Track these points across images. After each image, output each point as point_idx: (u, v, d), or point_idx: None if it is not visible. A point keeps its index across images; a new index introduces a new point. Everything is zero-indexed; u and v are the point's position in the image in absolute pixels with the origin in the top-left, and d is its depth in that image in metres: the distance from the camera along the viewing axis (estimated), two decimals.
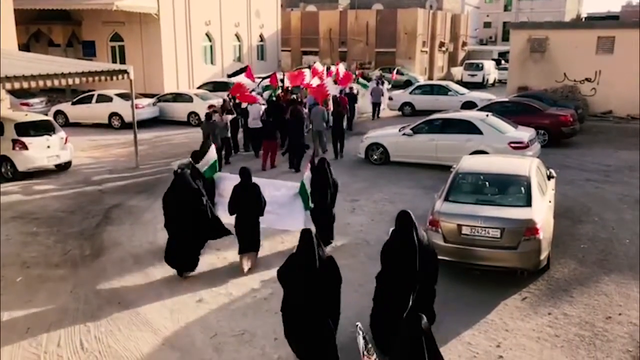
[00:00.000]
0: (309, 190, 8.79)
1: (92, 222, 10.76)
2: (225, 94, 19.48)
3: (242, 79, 18.11)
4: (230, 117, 15.60)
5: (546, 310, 7.13)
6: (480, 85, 36.04)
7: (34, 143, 13.76)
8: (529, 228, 7.40)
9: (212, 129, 14.24)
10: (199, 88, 25.79)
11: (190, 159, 9.27)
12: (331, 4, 47.90)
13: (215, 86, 24.85)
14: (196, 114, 21.74)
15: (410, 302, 5.84)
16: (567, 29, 25.94)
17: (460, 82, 32.99)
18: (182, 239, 8.06)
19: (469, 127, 13.86)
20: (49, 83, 12.75)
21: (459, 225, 7.67)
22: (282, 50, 40.38)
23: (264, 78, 20.47)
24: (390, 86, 27.11)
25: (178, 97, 22.86)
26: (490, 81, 38.66)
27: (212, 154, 9.38)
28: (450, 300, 7.36)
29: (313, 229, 6.30)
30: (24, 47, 25.46)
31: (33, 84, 12.35)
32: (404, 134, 14.63)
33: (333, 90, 18.67)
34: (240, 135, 16.81)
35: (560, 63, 23.52)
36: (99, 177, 14.22)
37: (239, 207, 8.18)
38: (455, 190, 8.34)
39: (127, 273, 8.43)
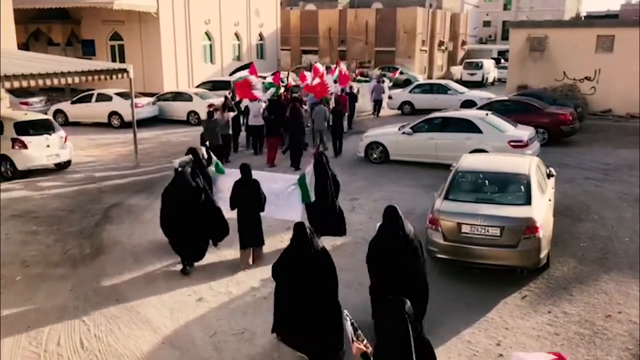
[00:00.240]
0: (309, 184, 8.85)
1: (91, 221, 10.75)
2: (224, 93, 19.64)
3: (246, 75, 18.25)
4: (231, 114, 15.73)
5: (546, 309, 7.13)
6: (480, 84, 36.05)
7: (34, 142, 13.75)
8: (528, 226, 7.40)
9: (214, 126, 14.33)
10: (197, 87, 25.80)
11: (191, 156, 9.31)
12: (331, 3, 47.90)
13: (215, 85, 24.85)
14: (196, 113, 21.76)
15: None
16: (567, 28, 25.93)
17: (460, 81, 33.04)
18: (180, 236, 8.20)
19: (469, 126, 13.86)
20: (48, 82, 12.74)
21: (459, 224, 7.67)
22: (282, 49, 40.35)
23: (266, 77, 20.49)
24: (391, 84, 27.18)
25: (178, 96, 22.84)
26: (490, 80, 38.67)
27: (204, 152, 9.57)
28: (450, 298, 7.38)
29: (306, 222, 6.36)
30: (24, 46, 25.45)
31: (32, 82, 12.36)
32: (403, 133, 14.63)
33: (333, 88, 18.71)
34: (242, 133, 16.97)
35: (559, 62, 23.52)
36: (99, 176, 14.21)
37: (240, 203, 8.27)
38: (455, 188, 8.35)
39: (126, 272, 8.42)
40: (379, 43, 42.41)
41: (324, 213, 9.01)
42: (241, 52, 34.09)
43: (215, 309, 7.27)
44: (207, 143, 9.82)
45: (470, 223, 7.61)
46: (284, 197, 8.90)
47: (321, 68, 18.62)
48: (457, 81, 31.56)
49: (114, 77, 14.45)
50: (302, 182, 8.92)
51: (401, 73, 33.73)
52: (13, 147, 13.50)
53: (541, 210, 7.80)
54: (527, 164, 8.79)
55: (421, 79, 34.84)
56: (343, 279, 7.78)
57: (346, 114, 18.53)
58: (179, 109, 22.32)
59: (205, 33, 30.68)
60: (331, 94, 18.28)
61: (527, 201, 7.83)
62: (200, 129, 13.10)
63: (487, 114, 14.34)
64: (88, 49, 28.99)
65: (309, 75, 19.41)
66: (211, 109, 15.32)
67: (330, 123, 16.39)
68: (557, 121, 16.98)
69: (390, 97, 24.54)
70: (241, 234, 8.40)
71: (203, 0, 29.50)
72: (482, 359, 6.12)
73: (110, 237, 9.90)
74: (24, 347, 6.46)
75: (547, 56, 23.90)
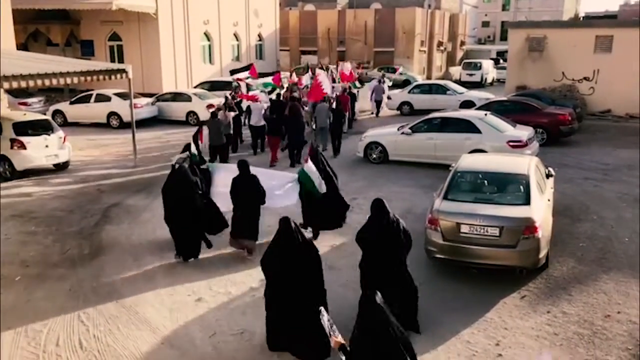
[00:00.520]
0: (313, 177, 8.94)
1: (90, 221, 10.74)
2: (223, 93, 19.75)
3: (247, 76, 18.57)
4: (232, 114, 15.92)
5: (545, 309, 7.13)
6: (479, 85, 36.05)
7: (32, 142, 13.74)
8: (527, 226, 7.40)
9: (218, 126, 14.45)
10: (196, 87, 25.80)
11: (188, 153, 9.45)
12: (330, 3, 47.89)
13: (213, 85, 24.85)
14: (195, 114, 21.77)
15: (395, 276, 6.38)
16: (565, 28, 25.94)
17: (459, 82, 33.00)
18: (181, 230, 8.54)
19: (468, 126, 13.86)
20: (47, 82, 12.73)
21: (458, 224, 7.68)
22: (281, 50, 40.37)
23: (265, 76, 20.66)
24: (391, 84, 27.23)
25: (177, 97, 22.83)
26: (489, 80, 38.66)
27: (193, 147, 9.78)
28: (449, 298, 7.38)
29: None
30: (22, 46, 25.42)
31: (31, 83, 12.35)
32: (402, 133, 14.63)
33: (329, 90, 18.65)
34: (246, 132, 17.28)
35: (558, 62, 23.53)
36: (98, 176, 14.20)
37: (239, 198, 8.53)
38: (454, 188, 8.35)
39: (125, 272, 8.42)
40: (377, 43, 42.43)
41: (325, 205, 9.16)
42: (240, 53, 34.08)
43: (215, 309, 7.26)
44: (199, 143, 10.00)
45: (469, 223, 7.61)
46: (281, 190, 9.09)
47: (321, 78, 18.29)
48: (456, 81, 31.54)
49: (112, 77, 14.44)
50: (304, 177, 9.01)
51: (400, 74, 33.76)
52: (12, 147, 13.49)
53: (540, 210, 7.80)
54: (526, 164, 8.79)
55: (420, 79, 34.84)
56: (342, 278, 7.83)
57: (347, 114, 18.57)
58: (178, 110, 22.31)
59: (204, 33, 30.66)
60: (328, 97, 18.21)
61: (526, 201, 7.83)
62: (194, 130, 13.13)
63: (486, 114, 14.33)
64: (87, 50, 28.96)
65: (306, 77, 19.55)
66: (215, 109, 15.58)
67: (331, 121, 16.43)
68: (556, 121, 16.98)
69: (389, 98, 24.56)
70: (234, 224, 8.70)
71: (202, 1, 29.49)
72: (481, 359, 6.12)
73: (109, 237, 9.89)
74: (23, 348, 6.44)
75: (545, 56, 23.91)
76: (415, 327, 6.48)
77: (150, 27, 27.11)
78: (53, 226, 10.46)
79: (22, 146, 13.55)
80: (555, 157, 14.64)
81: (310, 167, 9.01)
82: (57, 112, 21.72)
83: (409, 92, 24.98)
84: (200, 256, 8.78)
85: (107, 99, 21.52)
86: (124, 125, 20.56)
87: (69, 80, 13.23)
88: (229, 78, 21.90)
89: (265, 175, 9.05)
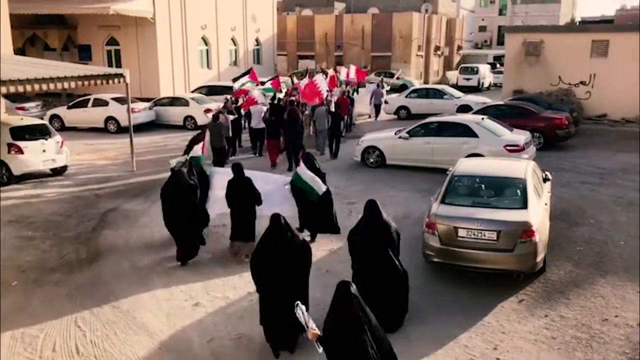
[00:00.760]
0: (310, 181, 8.98)
1: (88, 226, 10.72)
2: (221, 98, 19.83)
3: (248, 81, 18.72)
4: (231, 117, 16.08)
5: (543, 313, 7.14)
6: (476, 89, 36.19)
7: (30, 147, 13.72)
8: (525, 230, 7.42)
9: (219, 129, 14.50)
10: (193, 92, 25.81)
11: (187, 157, 9.54)
12: (327, 8, 48.02)
13: (211, 90, 24.86)
14: (192, 118, 21.79)
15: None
16: (562, 33, 26.10)
17: (456, 86, 33.16)
18: (180, 231, 8.63)
19: (465, 131, 13.89)
20: (44, 87, 12.69)
21: (456, 228, 7.68)
22: (278, 54, 40.44)
23: (265, 82, 20.62)
24: (389, 88, 27.33)
25: (174, 101, 22.84)
26: (486, 85, 38.82)
27: (197, 148, 9.91)
28: (446, 302, 7.38)
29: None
30: (20, 51, 25.35)
31: (29, 87, 12.32)
32: (399, 137, 14.66)
33: (324, 89, 18.66)
34: (245, 136, 17.43)
35: (555, 66, 23.64)
36: (95, 180, 14.18)
37: (234, 200, 8.71)
38: (451, 192, 8.36)
39: (123, 277, 8.40)
40: (375, 48, 42.55)
41: (319, 208, 9.19)
42: (238, 58, 34.13)
43: (212, 313, 7.25)
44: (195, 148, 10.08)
45: (466, 227, 7.62)
46: (275, 195, 9.08)
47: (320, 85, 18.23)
48: (453, 86, 31.65)
49: (110, 82, 14.44)
50: (299, 181, 9.02)
51: (397, 78, 33.86)
52: (9, 152, 13.46)
53: (537, 214, 7.82)
54: (523, 168, 8.81)
55: (417, 83, 34.94)
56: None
57: (345, 117, 18.62)
58: (176, 114, 22.32)
59: (202, 38, 30.70)
60: (327, 99, 18.23)
61: (524, 205, 7.85)
62: (191, 134, 13.23)
63: (483, 119, 14.38)
64: (84, 54, 28.96)
65: (304, 82, 19.59)
66: (216, 112, 15.72)
67: (329, 125, 16.47)
68: (553, 125, 17.05)
69: (386, 102, 24.63)
70: (233, 227, 8.88)
71: (199, 6, 29.54)
72: None
73: (107, 242, 9.87)
74: (19, 353, 6.42)
75: (542, 61, 24.02)
76: (398, 324, 6.62)
77: (147, 31, 27.13)
78: (50, 231, 10.43)
79: (20, 151, 13.53)
80: (552, 161, 14.68)
81: (303, 169, 9.06)
82: (54, 117, 21.68)
83: (406, 96, 25.08)
84: (198, 260, 8.79)
85: (104, 103, 21.50)
86: (121, 130, 20.56)
87: (66, 85, 13.24)
88: (226, 83, 21.94)
89: (260, 179, 9.09)
